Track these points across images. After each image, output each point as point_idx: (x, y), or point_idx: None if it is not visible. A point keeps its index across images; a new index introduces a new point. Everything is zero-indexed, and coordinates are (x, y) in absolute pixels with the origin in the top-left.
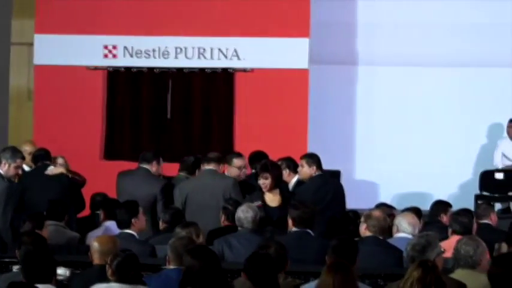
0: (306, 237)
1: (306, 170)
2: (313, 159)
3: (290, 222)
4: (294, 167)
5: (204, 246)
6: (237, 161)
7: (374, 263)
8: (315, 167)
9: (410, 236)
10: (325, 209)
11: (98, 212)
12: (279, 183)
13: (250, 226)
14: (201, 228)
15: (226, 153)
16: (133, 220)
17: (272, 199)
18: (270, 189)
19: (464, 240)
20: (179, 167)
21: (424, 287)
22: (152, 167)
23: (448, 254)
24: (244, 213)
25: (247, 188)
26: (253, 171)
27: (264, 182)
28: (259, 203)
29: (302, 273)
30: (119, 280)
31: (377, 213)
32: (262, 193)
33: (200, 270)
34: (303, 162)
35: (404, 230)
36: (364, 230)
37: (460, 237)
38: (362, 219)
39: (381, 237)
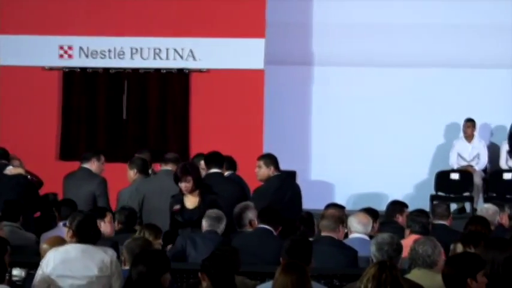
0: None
1: (264, 171)
2: (271, 159)
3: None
4: (230, 164)
5: (152, 252)
6: (202, 162)
7: (330, 262)
8: (272, 168)
9: (363, 236)
10: (283, 210)
11: (52, 213)
12: (199, 185)
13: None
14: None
15: (182, 153)
16: None
17: (192, 201)
18: (191, 192)
19: (422, 241)
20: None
21: (379, 285)
22: (92, 165)
23: (405, 254)
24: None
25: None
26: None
27: (186, 185)
28: (178, 207)
29: (259, 273)
30: (79, 240)
31: (330, 212)
32: (183, 195)
33: (144, 276)
34: (261, 163)
35: (356, 229)
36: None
37: (418, 236)
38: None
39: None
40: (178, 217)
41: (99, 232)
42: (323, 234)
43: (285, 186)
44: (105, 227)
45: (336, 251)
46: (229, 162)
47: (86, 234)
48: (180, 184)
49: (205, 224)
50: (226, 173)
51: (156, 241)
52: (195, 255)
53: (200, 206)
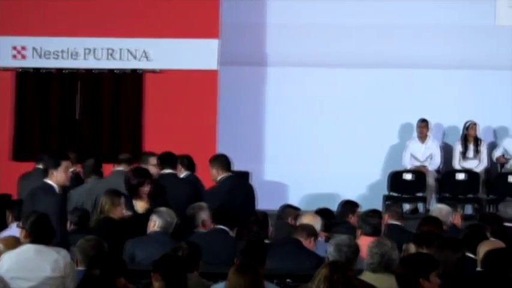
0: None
1: (213, 173)
2: (216, 161)
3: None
4: (188, 164)
5: (107, 254)
6: (152, 160)
7: (293, 264)
8: (219, 169)
9: None
10: (236, 210)
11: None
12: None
13: (163, 229)
14: None
15: (136, 153)
16: None
17: (142, 205)
18: (149, 196)
19: (377, 243)
20: (82, 172)
21: (331, 286)
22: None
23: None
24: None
25: (159, 189)
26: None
27: (146, 189)
28: (130, 214)
29: (212, 274)
30: (33, 241)
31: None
32: (131, 200)
33: (99, 279)
34: (211, 165)
35: None
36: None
37: (369, 238)
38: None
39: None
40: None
41: (53, 232)
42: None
43: (237, 187)
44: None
45: (303, 254)
46: (189, 163)
47: (40, 235)
48: (141, 188)
49: (155, 224)
50: (185, 174)
51: (115, 209)
52: (144, 256)
53: (148, 210)
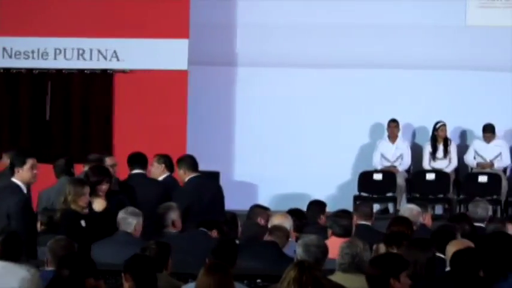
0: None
1: (181, 173)
2: (185, 161)
3: None
4: (170, 165)
5: (76, 254)
6: (109, 160)
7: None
8: (186, 169)
9: None
10: (203, 211)
11: None
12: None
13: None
14: None
15: (107, 154)
16: None
17: (100, 203)
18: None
19: (348, 243)
20: (54, 171)
21: (301, 287)
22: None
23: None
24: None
25: (127, 189)
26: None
27: (105, 187)
28: (87, 211)
29: (183, 274)
30: (4, 258)
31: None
32: (91, 198)
33: (68, 280)
34: (177, 166)
35: None
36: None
37: (339, 239)
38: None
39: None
40: (82, 221)
41: (21, 249)
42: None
43: (203, 187)
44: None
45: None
46: (170, 164)
47: (11, 252)
48: (98, 187)
49: (120, 224)
50: (164, 176)
51: (79, 198)
52: (111, 255)
53: (108, 207)
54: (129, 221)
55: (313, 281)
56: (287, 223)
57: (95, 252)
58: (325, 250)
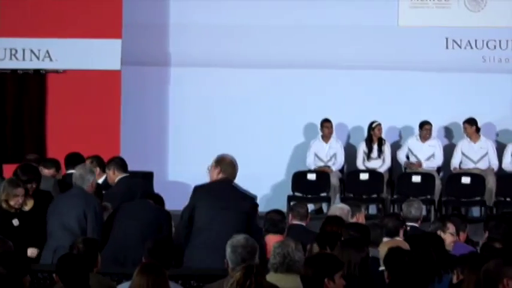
0: None
1: (110, 174)
2: (114, 162)
3: None
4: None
5: (12, 253)
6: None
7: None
8: (115, 170)
9: None
10: None
11: None
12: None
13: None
14: None
15: (39, 154)
16: None
17: (29, 202)
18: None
19: (280, 243)
20: None
21: None
22: None
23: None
24: None
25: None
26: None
27: (34, 187)
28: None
29: (116, 274)
30: None
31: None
32: None
33: (5, 278)
34: (107, 167)
35: None
36: None
37: (274, 237)
38: None
39: None
40: (15, 221)
41: None
42: None
43: (134, 185)
44: None
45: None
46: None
47: None
48: (28, 185)
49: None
50: (120, 177)
51: (11, 199)
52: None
53: (34, 207)
54: (88, 177)
55: (256, 286)
56: None
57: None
58: (252, 250)
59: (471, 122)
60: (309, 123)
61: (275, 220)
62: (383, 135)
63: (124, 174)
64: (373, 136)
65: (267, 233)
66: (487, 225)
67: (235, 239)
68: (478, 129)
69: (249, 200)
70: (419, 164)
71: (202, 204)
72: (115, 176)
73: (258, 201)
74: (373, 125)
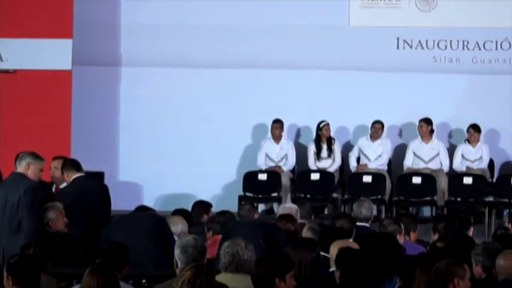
0: None
1: (65, 177)
2: (68, 162)
3: None
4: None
5: None
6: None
7: None
8: (70, 170)
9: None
10: (85, 211)
11: None
12: None
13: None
14: None
15: None
16: None
17: None
18: None
19: (230, 242)
20: None
21: None
22: None
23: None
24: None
25: None
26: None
27: None
28: None
29: (67, 275)
30: None
31: None
32: None
33: None
34: (61, 171)
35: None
36: None
37: (220, 237)
38: None
39: None
40: None
41: None
42: None
43: (86, 186)
44: None
45: None
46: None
47: None
48: None
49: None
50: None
51: None
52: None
53: None
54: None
55: (206, 284)
56: (176, 223)
57: None
58: (202, 250)
59: (428, 121)
60: (259, 124)
61: (218, 221)
62: (335, 135)
63: (78, 174)
64: (322, 136)
65: (213, 234)
66: (436, 225)
67: (184, 240)
68: (432, 131)
69: None
70: (365, 165)
71: None
72: (68, 177)
73: (210, 200)
74: (321, 125)
